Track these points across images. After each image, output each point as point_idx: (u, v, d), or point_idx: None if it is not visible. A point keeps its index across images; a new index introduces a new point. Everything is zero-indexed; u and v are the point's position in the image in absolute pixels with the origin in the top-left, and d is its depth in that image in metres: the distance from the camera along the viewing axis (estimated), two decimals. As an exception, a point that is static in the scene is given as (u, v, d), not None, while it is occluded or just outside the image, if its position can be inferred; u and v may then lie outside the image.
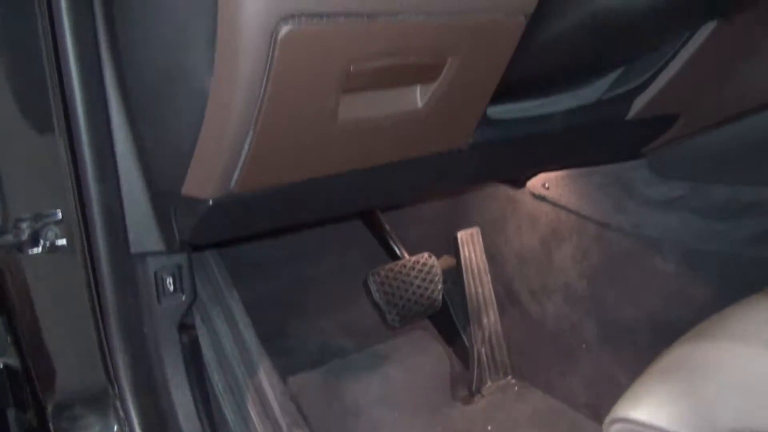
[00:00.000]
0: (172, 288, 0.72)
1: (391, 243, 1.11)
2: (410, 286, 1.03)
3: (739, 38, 0.74)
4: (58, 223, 0.67)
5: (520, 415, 1.06)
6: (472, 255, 1.16)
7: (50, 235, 0.68)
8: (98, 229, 0.65)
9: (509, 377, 1.15)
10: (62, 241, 0.68)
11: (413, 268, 1.05)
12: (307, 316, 1.11)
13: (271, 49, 0.47)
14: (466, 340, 1.14)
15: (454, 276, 1.17)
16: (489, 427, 1.04)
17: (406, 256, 1.08)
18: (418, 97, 0.60)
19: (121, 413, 0.66)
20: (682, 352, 0.57)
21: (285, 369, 1.02)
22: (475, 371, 1.12)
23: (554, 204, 1.08)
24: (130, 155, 0.62)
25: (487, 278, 1.17)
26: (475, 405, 1.09)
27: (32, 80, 0.61)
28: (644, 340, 0.98)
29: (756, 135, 0.85)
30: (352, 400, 1.04)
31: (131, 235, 0.66)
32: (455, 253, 1.15)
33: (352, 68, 0.52)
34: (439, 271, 1.06)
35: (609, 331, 1.03)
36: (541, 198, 1.09)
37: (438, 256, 1.12)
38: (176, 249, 0.67)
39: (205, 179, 0.57)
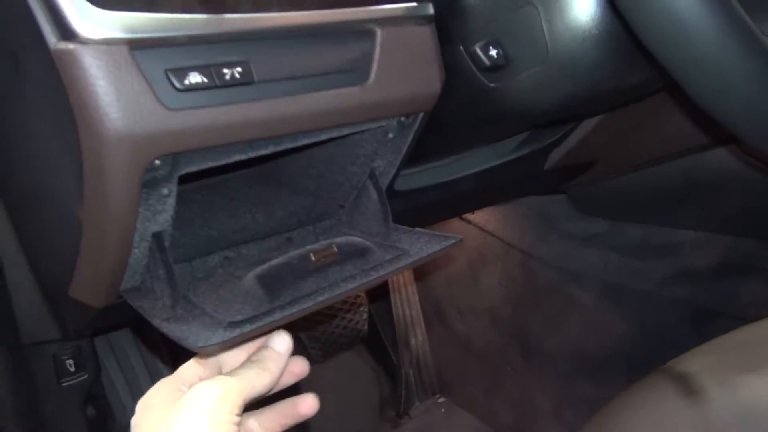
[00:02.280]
0: (73, 369, 0.69)
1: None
2: (334, 318, 1.02)
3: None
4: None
5: (447, 438, 1.08)
6: (400, 276, 1.15)
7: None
8: None
9: (437, 396, 1.17)
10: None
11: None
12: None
13: (140, 188, 0.44)
14: (394, 360, 1.15)
15: (382, 295, 1.16)
16: (416, 452, 1.06)
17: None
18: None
19: None
20: None
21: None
22: (403, 392, 1.13)
23: (481, 228, 1.07)
24: (16, 251, 0.59)
25: (415, 298, 1.17)
26: (403, 428, 1.10)
27: None
28: (564, 368, 1.00)
29: (668, 181, 0.85)
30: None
31: (23, 326, 0.63)
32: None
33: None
34: (365, 302, 1.06)
35: (532, 356, 1.04)
36: (468, 222, 1.09)
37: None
38: (73, 337, 0.64)
39: (90, 290, 0.55)
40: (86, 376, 0.70)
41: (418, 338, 1.16)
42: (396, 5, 0.51)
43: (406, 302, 1.16)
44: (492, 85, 0.54)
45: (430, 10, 0.53)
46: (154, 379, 0.86)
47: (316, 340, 1.00)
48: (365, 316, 1.05)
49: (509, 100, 0.54)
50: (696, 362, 0.64)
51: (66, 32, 0.40)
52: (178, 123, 0.42)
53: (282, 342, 0.47)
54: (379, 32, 0.51)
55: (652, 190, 0.87)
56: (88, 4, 0.40)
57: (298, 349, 1.02)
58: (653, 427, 0.57)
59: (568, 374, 0.99)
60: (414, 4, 0.52)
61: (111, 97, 0.40)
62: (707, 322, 0.87)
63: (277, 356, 0.46)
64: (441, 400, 1.16)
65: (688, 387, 0.60)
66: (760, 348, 0.66)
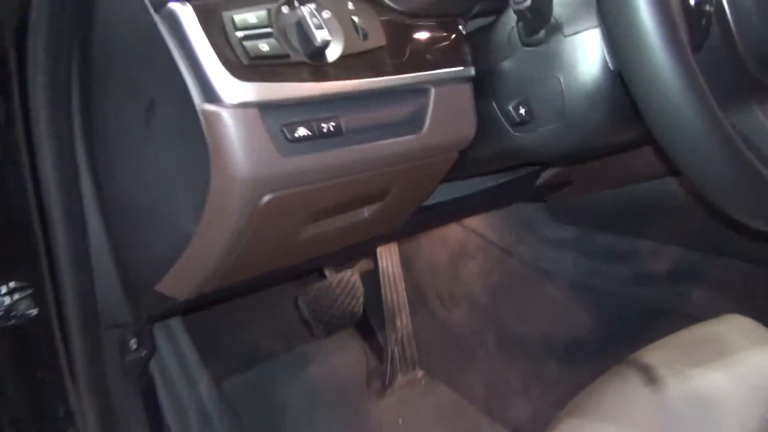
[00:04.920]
0: (135, 347, 0.80)
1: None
2: (335, 302, 1.15)
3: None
4: (29, 296, 0.74)
5: (427, 409, 1.22)
6: (389, 264, 1.29)
7: (22, 307, 0.75)
8: (70, 306, 0.72)
9: (417, 371, 1.31)
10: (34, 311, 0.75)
11: (338, 286, 1.16)
12: (238, 322, 1.21)
13: (255, 210, 0.56)
14: (381, 339, 1.28)
15: (372, 279, 1.29)
16: (400, 420, 1.20)
17: (333, 274, 1.20)
18: (365, 211, 0.70)
19: None
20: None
21: (219, 374, 1.12)
22: (389, 367, 1.27)
23: (463, 225, 1.21)
24: (106, 252, 0.69)
25: (401, 285, 1.30)
26: (388, 398, 1.24)
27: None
28: (534, 352, 1.16)
29: (634, 199, 1.00)
30: (280, 399, 1.17)
31: (102, 311, 0.73)
32: (374, 263, 1.28)
33: (315, 212, 0.61)
34: (360, 287, 1.19)
35: (505, 341, 1.19)
36: (452, 219, 1.23)
37: (357, 262, 1.25)
38: (143, 322, 0.75)
39: (179, 288, 0.66)
40: (145, 353, 0.81)
41: (403, 320, 1.30)
42: (447, 69, 0.64)
43: (394, 288, 1.29)
44: (517, 134, 0.67)
45: (472, 72, 0.66)
46: (200, 355, 0.98)
47: (319, 321, 1.12)
48: (361, 300, 1.18)
49: (529, 147, 0.67)
50: (656, 356, 0.78)
51: (210, 95, 0.51)
52: (290, 167, 0.54)
53: None
54: (433, 90, 0.63)
55: (620, 205, 1.02)
56: (229, 75, 0.51)
57: (305, 328, 1.15)
58: (620, 411, 0.71)
59: (537, 358, 1.15)
60: (461, 68, 0.65)
61: (243, 148, 0.52)
62: (662, 319, 1.04)
63: None
64: (421, 374, 1.30)
65: (649, 377, 0.75)
66: (709, 345, 0.81)
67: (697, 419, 0.70)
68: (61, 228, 0.66)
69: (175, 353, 1.02)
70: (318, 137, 0.55)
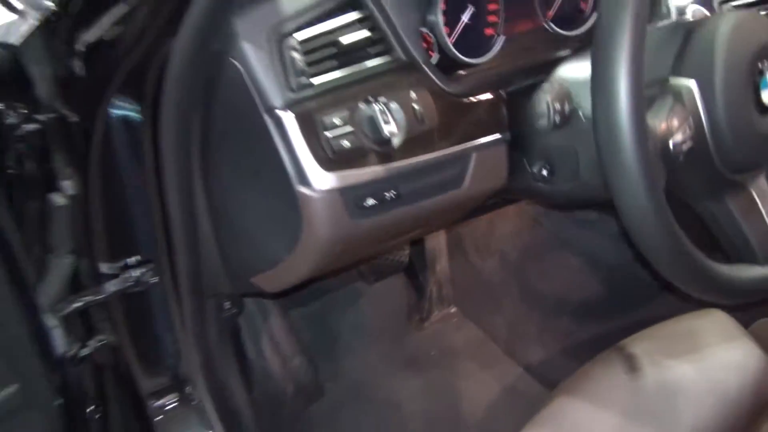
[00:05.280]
0: (229, 307, 1.02)
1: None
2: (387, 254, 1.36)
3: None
4: (151, 270, 0.96)
5: (456, 343, 1.45)
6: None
7: (146, 277, 0.97)
8: (182, 280, 0.93)
9: (451, 308, 1.53)
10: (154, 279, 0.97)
11: (389, 241, 1.36)
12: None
13: (333, 253, 0.75)
14: (422, 280, 1.50)
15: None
16: (432, 352, 1.44)
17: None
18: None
19: (196, 402, 0.99)
20: (556, 408, 0.92)
21: (286, 307, 1.36)
22: (427, 304, 1.49)
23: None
24: (213, 249, 0.89)
25: (443, 234, 1.49)
26: (424, 332, 1.48)
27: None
28: (550, 307, 1.36)
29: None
30: (335, 328, 1.41)
31: (206, 285, 0.95)
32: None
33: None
34: (408, 244, 1.38)
35: (527, 294, 1.40)
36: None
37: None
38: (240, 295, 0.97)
39: (269, 285, 0.86)
40: (235, 311, 1.04)
41: (442, 264, 1.50)
42: (488, 138, 0.79)
43: (436, 237, 1.48)
44: (539, 185, 0.83)
45: (509, 137, 0.81)
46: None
47: (371, 271, 1.34)
48: (407, 252, 1.39)
49: (546, 195, 0.83)
50: (640, 346, 0.96)
51: (304, 181, 0.69)
52: (359, 228, 0.73)
53: None
54: (474, 155, 0.79)
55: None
56: (319, 167, 0.68)
57: (356, 275, 1.37)
58: (602, 395, 0.87)
59: (552, 312, 1.35)
60: (499, 135, 0.80)
61: (328, 220, 0.70)
62: (660, 297, 1.21)
63: None
64: (454, 311, 1.52)
65: (630, 365, 0.94)
66: (687, 339, 0.97)
67: (665, 406, 0.86)
68: (179, 226, 0.85)
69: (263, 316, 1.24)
70: (382, 204, 0.73)
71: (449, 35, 0.78)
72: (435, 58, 0.78)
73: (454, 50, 0.78)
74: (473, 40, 0.80)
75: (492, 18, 0.82)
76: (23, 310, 0.83)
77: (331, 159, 0.69)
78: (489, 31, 0.82)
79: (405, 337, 1.46)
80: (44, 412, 0.84)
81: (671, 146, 0.65)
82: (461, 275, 1.51)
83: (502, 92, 0.82)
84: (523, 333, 1.40)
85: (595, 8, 0.87)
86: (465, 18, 0.80)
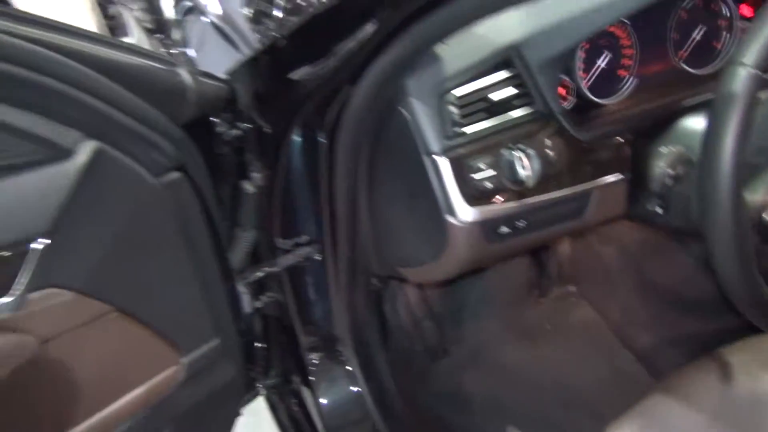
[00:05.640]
0: (376, 282, 1.22)
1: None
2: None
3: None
4: (316, 247, 1.16)
5: (571, 320, 1.59)
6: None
7: (312, 251, 1.18)
8: (341, 260, 1.13)
9: (570, 287, 1.66)
10: (318, 257, 1.18)
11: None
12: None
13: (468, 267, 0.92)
14: (544, 258, 1.64)
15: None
16: (548, 326, 1.59)
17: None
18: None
19: (344, 358, 1.21)
20: (649, 405, 1.04)
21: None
22: (546, 281, 1.64)
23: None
24: (369, 240, 1.08)
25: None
26: (542, 306, 1.62)
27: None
28: (664, 299, 1.46)
29: None
30: (461, 297, 1.59)
31: (359, 265, 1.14)
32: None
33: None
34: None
35: (642, 283, 1.50)
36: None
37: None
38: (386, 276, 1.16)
39: (412, 276, 1.05)
40: (381, 285, 1.23)
41: (564, 245, 1.63)
42: (611, 177, 0.92)
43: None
44: (653, 217, 0.95)
45: (629, 176, 0.93)
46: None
47: (498, 252, 1.49)
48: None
49: (660, 226, 0.95)
50: (737, 355, 1.03)
51: (452, 213, 0.85)
52: (493, 250, 0.89)
53: None
54: (595, 192, 0.92)
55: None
56: (465, 204, 0.84)
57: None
58: (695, 400, 0.93)
59: (665, 304, 1.44)
60: (621, 176, 0.92)
61: (468, 244, 0.87)
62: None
63: None
64: (573, 290, 1.65)
65: (725, 374, 1.02)
66: None
67: (755, 418, 0.89)
68: (343, 222, 1.04)
69: None
70: (513, 231, 0.89)
71: (585, 80, 0.90)
72: (570, 102, 0.90)
73: (588, 94, 0.90)
74: (607, 82, 0.92)
75: (626, 62, 0.92)
76: (224, 274, 1.06)
77: (474, 196, 0.85)
78: (622, 73, 0.93)
79: (524, 310, 1.62)
80: (235, 360, 1.08)
81: (766, 218, 0.76)
82: (582, 258, 1.63)
83: (628, 135, 0.93)
84: (636, 320, 1.51)
85: (725, 46, 0.95)
86: (601, 63, 0.91)
